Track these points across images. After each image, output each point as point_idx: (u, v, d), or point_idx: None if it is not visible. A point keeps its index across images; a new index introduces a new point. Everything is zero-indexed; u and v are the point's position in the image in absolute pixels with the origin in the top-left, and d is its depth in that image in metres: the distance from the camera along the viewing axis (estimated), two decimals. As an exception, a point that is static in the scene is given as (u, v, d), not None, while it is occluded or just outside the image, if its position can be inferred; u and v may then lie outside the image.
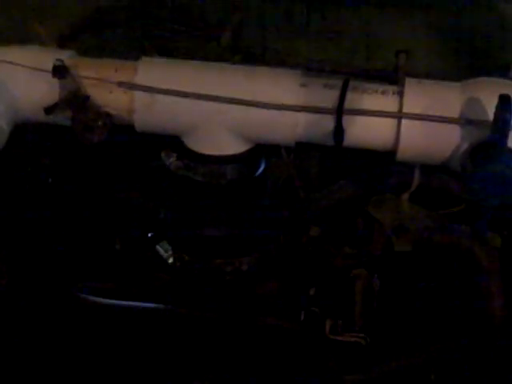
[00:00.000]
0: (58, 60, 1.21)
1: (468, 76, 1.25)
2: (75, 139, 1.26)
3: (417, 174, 1.32)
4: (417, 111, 1.19)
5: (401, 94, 1.21)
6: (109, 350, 1.31)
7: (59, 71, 1.20)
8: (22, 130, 1.32)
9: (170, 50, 1.46)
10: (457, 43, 1.48)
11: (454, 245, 1.32)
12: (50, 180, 1.47)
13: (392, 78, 1.32)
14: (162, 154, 1.32)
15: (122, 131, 1.29)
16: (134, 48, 1.42)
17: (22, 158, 1.43)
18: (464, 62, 1.44)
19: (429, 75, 1.28)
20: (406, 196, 1.36)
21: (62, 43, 1.41)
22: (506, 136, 1.10)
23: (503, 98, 1.08)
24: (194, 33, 1.50)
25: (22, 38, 1.37)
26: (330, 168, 1.45)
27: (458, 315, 1.32)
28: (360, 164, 1.40)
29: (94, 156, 1.39)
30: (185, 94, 1.22)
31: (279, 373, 1.30)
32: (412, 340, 1.33)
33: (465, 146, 1.17)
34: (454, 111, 1.18)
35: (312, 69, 1.40)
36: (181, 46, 1.48)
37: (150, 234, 1.39)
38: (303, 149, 1.34)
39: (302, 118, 1.22)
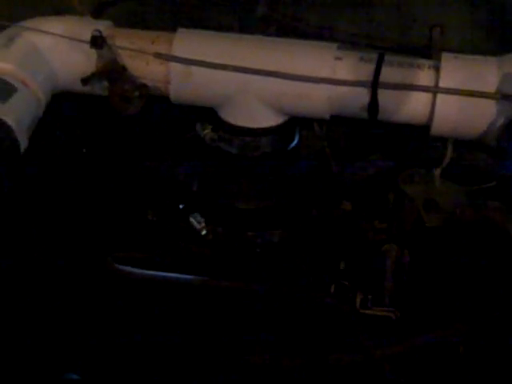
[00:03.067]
0: (95, 30, 1.22)
1: (500, 50, 1.24)
2: (111, 110, 1.27)
3: (449, 150, 1.31)
4: (453, 86, 1.19)
5: (437, 69, 1.21)
6: (140, 320, 1.33)
7: (97, 41, 1.21)
8: (59, 99, 1.33)
9: (204, 22, 1.46)
10: (488, 16, 1.48)
11: (485, 221, 1.32)
12: (84, 150, 1.48)
13: (426, 52, 1.32)
14: (197, 126, 1.33)
15: (157, 102, 1.30)
16: (170, 20, 1.42)
17: (57, 128, 1.44)
18: (496, 35, 1.43)
19: (461, 49, 1.27)
20: (437, 171, 1.36)
21: (96, 14, 1.42)
22: (542, 111, 1.10)
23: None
24: (229, 4, 1.50)
25: (57, 10, 1.38)
26: (363, 142, 1.45)
27: (488, 292, 1.33)
28: (392, 138, 1.40)
29: (129, 127, 1.40)
30: (220, 66, 1.23)
31: (309, 346, 1.31)
32: (441, 315, 1.33)
33: (500, 121, 1.17)
34: (491, 86, 1.18)
35: (347, 42, 1.40)
36: (216, 17, 1.48)
37: (181, 206, 1.40)
38: (336, 122, 1.34)
39: (337, 91, 1.22)
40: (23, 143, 1.18)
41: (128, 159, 1.44)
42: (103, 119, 1.40)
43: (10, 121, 1.15)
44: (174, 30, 1.29)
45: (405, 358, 1.31)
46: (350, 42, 1.41)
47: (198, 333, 1.31)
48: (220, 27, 1.41)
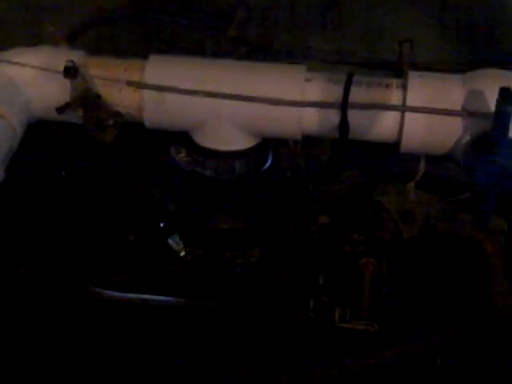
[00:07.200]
0: (68, 61, 1.23)
1: (469, 64, 1.27)
2: (88, 136, 1.29)
3: (422, 164, 1.34)
4: (420, 104, 1.21)
5: (404, 87, 1.23)
6: (122, 342, 1.34)
7: (70, 72, 1.23)
8: (36, 127, 1.35)
9: (178, 44, 1.49)
10: (457, 31, 1.50)
11: (457, 232, 1.35)
12: (64, 174, 1.50)
13: (396, 68, 1.34)
14: (172, 150, 1.35)
15: (132, 127, 1.32)
16: (143, 44, 1.44)
17: (36, 156, 1.46)
18: (465, 50, 1.46)
19: (430, 64, 1.30)
20: (411, 185, 1.38)
21: (71, 40, 1.43)
22: (506, 127, 1.12)
23: (503, 91, 1.10)
24: (201, 25, 1.52)
25: (34, 36, 1.40)
26: (338, 159, 1.47)
27: (463, 302, 1.35)
28: (367, 154, 1.42)
29: (106, 151, 1.42)
30: (192, 92, 1.25)
31: (289, 361, 1.33)
32: (419, 327, 1.35)
33: (467, 137, 1.19)
34: (457, 103, 1.20)
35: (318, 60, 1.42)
36: (188, 39, 1.50)
37: (161, 225, 1.42)
38: (311, 140, 1.37)
39: (308, 112, 1.25)
40: (0, 175, 1.20)
41: (107, 183, 1.45)
42: (81, 144, 1.42)
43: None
44: (146, 53, 1.31)
45: (383, 370, 1.33)
46: (321, 60, 1.44)
47: (179, 353, 1.33)
48: (192, 49, 1.44)
